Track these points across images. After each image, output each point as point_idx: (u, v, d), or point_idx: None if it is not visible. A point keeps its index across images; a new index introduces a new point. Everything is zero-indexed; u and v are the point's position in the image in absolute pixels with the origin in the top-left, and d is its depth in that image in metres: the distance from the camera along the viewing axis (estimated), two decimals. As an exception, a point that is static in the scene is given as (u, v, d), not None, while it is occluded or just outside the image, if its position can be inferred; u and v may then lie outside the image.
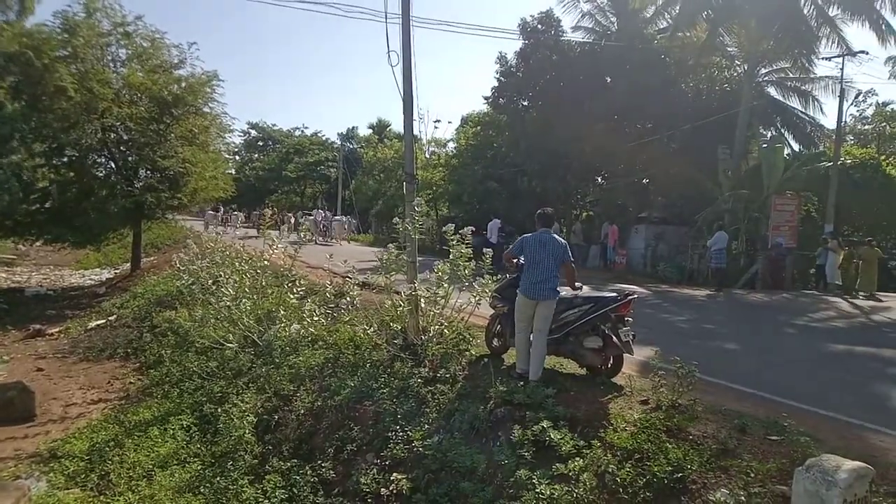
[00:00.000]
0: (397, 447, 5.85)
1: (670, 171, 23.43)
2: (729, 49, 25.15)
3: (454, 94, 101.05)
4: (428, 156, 35.46)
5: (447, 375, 6.73)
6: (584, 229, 25.85)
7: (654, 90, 23.04)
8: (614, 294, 6.78)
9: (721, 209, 20.16)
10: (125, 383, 10.66)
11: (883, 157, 24.02)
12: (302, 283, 10.73)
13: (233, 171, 38.81)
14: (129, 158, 20.54)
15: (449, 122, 69.79)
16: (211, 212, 37.08)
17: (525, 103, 27.56)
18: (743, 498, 3.88)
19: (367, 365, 7.50)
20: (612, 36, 25.57)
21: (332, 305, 9.79)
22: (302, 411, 7.24)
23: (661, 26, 25.72)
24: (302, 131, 59.72)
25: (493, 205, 27.38)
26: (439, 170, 32.69)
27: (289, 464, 6.42)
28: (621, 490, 4.33)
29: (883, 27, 20.35)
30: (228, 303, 10.16)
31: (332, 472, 6.06)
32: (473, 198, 28.48)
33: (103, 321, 15.02)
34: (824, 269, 17.75)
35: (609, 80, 25.81)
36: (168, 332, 12.01)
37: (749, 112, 21.95)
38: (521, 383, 6.12)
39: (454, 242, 7.62)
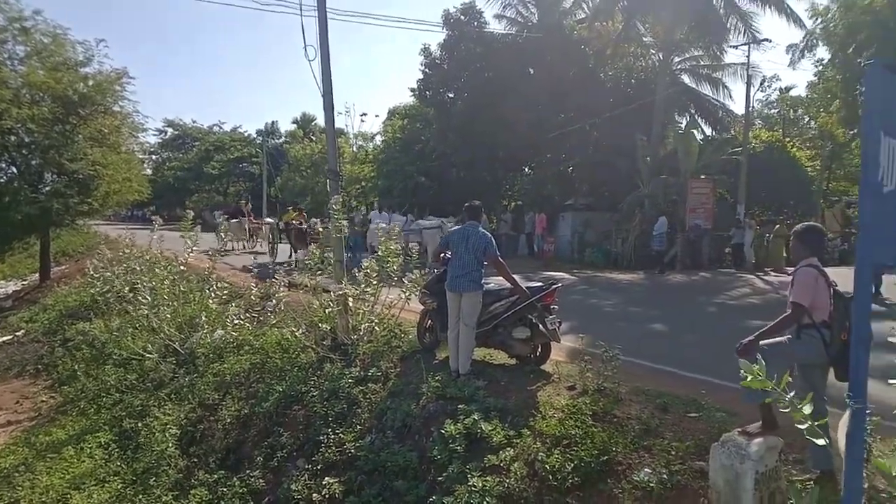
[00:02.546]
0: (329, 451, 5.73)
1: (593, 159, 24.09)
2: (644, 39, 26.02)
3: (381, 87, 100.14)
4: (355, 150, 35.03)
5: (378, 374, 6.65)
6: (514, 219, 26.22)
7: (574, 80, 23.60)
8: (540, 284, 6.89)
9: (642, 194, 20.90)
10: (36, 403, 9.99)
11: (788, 140, 25.53)
12: (224, 286, 10.35)
13: (149, 172, 36.68)
14: (33, 162, 19.14)
15: (376, 116, 69.24)
16: (225, 217, 22.91)
17: (451, 95, 27.60)
18: (665, 476, 4.01)
19: (296, 368, 7.31)
20: (533, 27, 25.96)
21: (258, 308, 9.50)
22: (228, 420, 6.99)
23: (580, 17, 26.34)
24: (220, 127, 57.63)
25: (424, 198, 27.39)
26: (368, 164, 32.36)
27: (216, 476, 6.19)
28: (551, 477, 4.39)
29: (787, 9, 21.53)
30: (147, 311, 9.70)
31: (261, 480, 5.88)
32: (404, 191, 28.39)
33: (9, 337, 14.02)
34: (742, 248, 18.80)
35: (532, 70, 26.18)
36: (82, 345, 11.33)
37: (665, 99, 22.79)
38: (454, 377, 6.14)
39: (382, 239, 7.54)
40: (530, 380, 6.06)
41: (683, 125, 23.92)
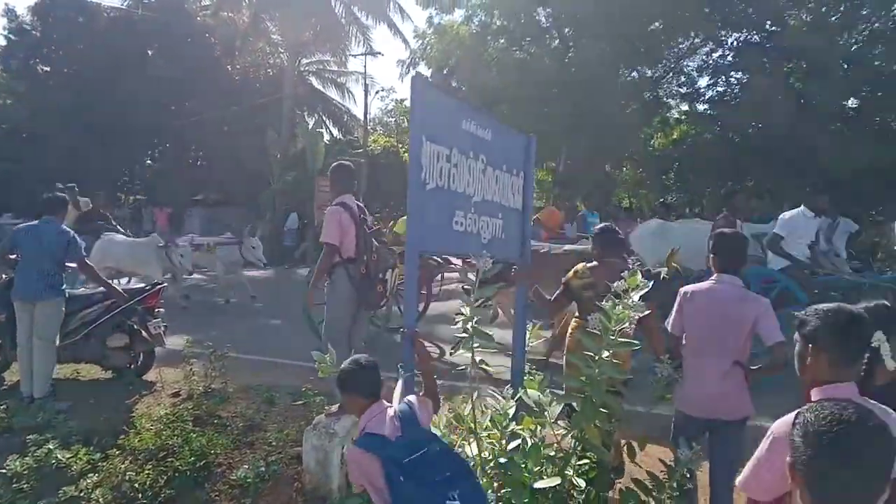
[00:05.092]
0: None
1: (224, 153, 23.25)
2: (273, 36, 26.14)
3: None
4: None
5: (-88, 413, 5.14)
6: (132, 215, 23.63)
7: (200, 69, 22.36)
8: (142, 285, 6.29)
9: (274, 190, 21.03)
10: None
11: (400, 146, 28.77)
12: None
13: None
14: None
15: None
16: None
17: (47, 68, 23.33)
18: (262, 468, 4.03)
19: None
20: (150, 5, 23.71)
21: None
22: None
23: (205, 3, 25.09)
24: None
25: (12, 188, 22.54)
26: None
27: None
28: (140, 495, 4.00)
29: (396, 28, 24.17)
30: None
31: None
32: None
33: None
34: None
35: (150, 52, 23.89)
36: None
37: (293, 98, 23.30)
38: (26, 403, 5.14)
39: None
40: (129, 393, 5.47)
41: (312, 125, 24.89)
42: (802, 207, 6.38)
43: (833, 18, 14.84)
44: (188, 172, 24.62)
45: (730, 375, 3.37)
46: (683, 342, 3.52)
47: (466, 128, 3.53)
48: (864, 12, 14.65)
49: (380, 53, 24.94)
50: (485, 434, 3.21)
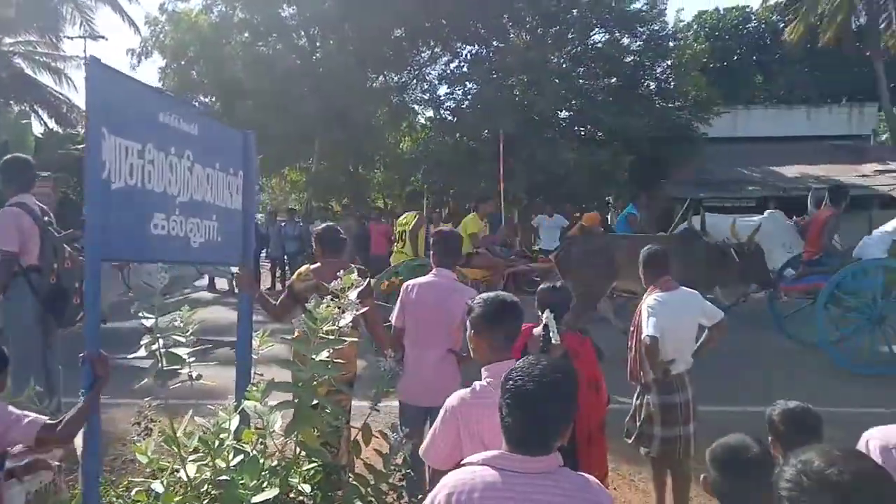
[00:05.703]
0: None
1: None
2: (-39, 8, 21.58)
3: None
4: None
5: None
6: None
7: None
8: None
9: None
10: None
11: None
12: None
13: None
14: None
15: None
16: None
17: None
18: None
19: None
20: None
21: None
22: None
23: None
24: None
25: None
26: None
27: None
28: None
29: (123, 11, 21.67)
30: None
31: None
32: None
33: None
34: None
35: None
36: None
37: (-8, 83, 19.56)
38: None
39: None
40: None
41: (17, 114, 21.12)
42: None
43: (548, 40, 17.00)
44: None
45: (444, 362, 3.59)
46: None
47: (165, 121, 3.19)
48: (570, 36, 17.05)
49: (102, 38, 22.14)
50: (194, 456, 2.95)
